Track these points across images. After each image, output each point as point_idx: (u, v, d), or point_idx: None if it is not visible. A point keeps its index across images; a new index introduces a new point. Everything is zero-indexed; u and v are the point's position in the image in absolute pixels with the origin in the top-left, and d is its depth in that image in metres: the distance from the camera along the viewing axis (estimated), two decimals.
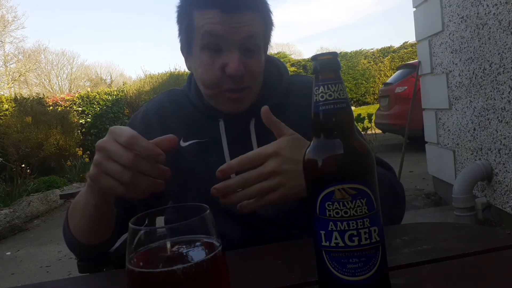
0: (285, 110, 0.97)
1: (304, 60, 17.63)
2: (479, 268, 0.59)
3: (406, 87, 6.30)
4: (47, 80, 24.46)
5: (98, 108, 9.98)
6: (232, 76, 0.86)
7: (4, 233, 4.62)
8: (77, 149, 8.63)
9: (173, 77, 12.44)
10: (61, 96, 10.76)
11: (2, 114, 8.29)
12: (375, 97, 16.15)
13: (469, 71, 3.10)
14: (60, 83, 24.94)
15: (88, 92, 10.52)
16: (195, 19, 0.87)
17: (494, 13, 2.70)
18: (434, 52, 3.70)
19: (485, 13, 2.80)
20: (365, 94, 17.16)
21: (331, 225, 0.48)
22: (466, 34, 3.08)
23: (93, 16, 56.99)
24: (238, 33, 0.85)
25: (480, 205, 3.01)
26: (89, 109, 9.94)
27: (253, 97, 0.94)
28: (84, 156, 8.76)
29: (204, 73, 0.88)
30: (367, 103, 16.71)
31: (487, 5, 2.77)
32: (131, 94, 11.53)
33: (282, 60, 1.14)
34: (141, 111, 1.05)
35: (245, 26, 0.85)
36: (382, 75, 16.89)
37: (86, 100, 10.01)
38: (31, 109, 8.03)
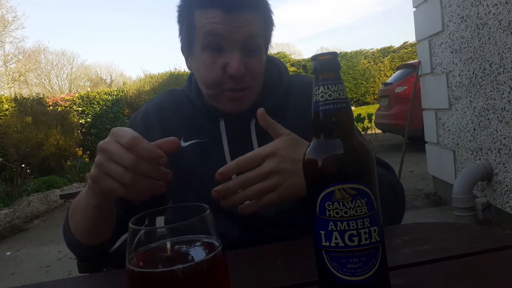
0: (285, 110, 0.97)
1: (304, 60, 17.63)
2: (479, 268, 0.59)
3: (406, 87, 6.30)
4: (47, 80, 24.49)
5: (98, 108, 9.98)
6: (233, 76, 0.86)
7: (4, 233, 4.62)
8: (77, 149, 8.63)
9: (173, 77, 12.44)
10: (61, 96, 10.77)
11: (2, 114, 8.29)
12: (375, 97, 16.15)
13: (469, 71, 3.10)
14: (60, 83, 24.98)
15: (88, 92, 10.53)
16: (196, 19, 0.87)
17: (494, 13, 2.70)
18: (434, 52, 3.70)
19: (485, 13, 2.80)
20: (365, 94, 17.15)
21: (331, 225, 0.48)
22: (466, 34, 3.08)
23: (93, 16, 57.07)
24: (239, 32, 0.85)
25: (480, 205, 3.01)
26: (89, 109, 9.94)
27: (253, 97, 0.94)
28: (84, 156, 8.76)
29: (205, 73, 0.88)
30: (367, 103, 16.71)
31: (487, 5, 2.77)
32: (131, 94, 11.53)
33: (282, 60, 1.14)
34: (141, 111, 1.05)
35: (246, 26, 0.85)
36: (382, 75, 16.89)
37: (86, 100, 10.01)
38: (31, 109, 8.03)
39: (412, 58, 14.05)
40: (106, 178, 0.69)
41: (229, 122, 0.95)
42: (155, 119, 1.00)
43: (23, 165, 6.69)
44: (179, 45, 0.98)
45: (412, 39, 17.78)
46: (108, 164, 0.69)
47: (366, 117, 6.94)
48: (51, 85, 24.27)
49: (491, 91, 2.84)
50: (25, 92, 16.31)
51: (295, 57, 19.53)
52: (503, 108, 2.72)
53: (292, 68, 16.16)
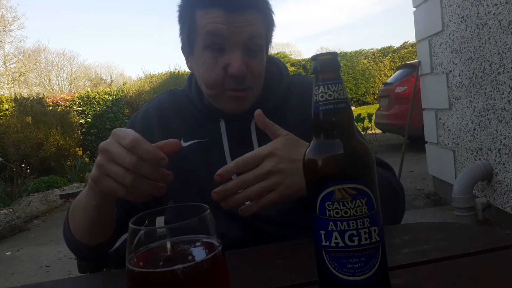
0: (286, 110, 0.97)
1: (304, 60, 17.61)
2: (479, 268, 0.59)
3: (406, 87, 6.29)
4: (47, 80, 24.47)
5: (98, 108, 9.98)
6: (235, 76, 0.86)
7: (4, 233, 4.62)
8: (77, 149, 8.62)
9: (173, 77, 12.44)
10: (61, 96, 10.76)
11: (2, 114, 8.30)
12: (375, 97, 16.14)
13: (469, 71, 3.10)
14: (60, 83, 24.96)
15: (88, 92, 10.52)
16: (198, 19, 0.87)
17: (494, 13, 2.70)
18: (434, 52, 3.70)
19: (485, 13, 2.80)
20: (365, 94, 17.14)
21: (331, 225, 0.48)
22: (466, 34, 3.08)
23: (93, 16, 57.07)
24: (241, 32, 0.84)
25: (480, 205, 3.01)
26: (89, 109, 9.94)
27: (254, 97, 0.94)
28: (84, 156, 8.75)
29: (206, 73, 0.88)
30: (367, 103, 16.70)
31: (487, 5, 2.77)
32: (131, 94, 11.53)
33: (282, 60, 1.14)
34: (141, 111, 1.05)
35: (248, 26, 0.85)
36: (382, 75, 16.88)
37: (86, 100, 10.01)
38: (31, 109, 8.03)
39: (412, 58, 14.05)
40: (107, 179, 0.69)
41: (229, 122, 0.95)
42: (155, 119, 1.00)
43: (23, 165, 6.68)
44: (179, 45, 0.98)
45: (412, 39, 17.80)
46: (109, 165, 0.68)
47: (366, 117, 6.95)
48: (51, 85, 24.28)
49: (491, 91, 2.84)
50: (25, 92, 16.31)
51: (295, 57, 19.53)
52: (503, 108, 2.72)
53: (292, 68, 16.16)
